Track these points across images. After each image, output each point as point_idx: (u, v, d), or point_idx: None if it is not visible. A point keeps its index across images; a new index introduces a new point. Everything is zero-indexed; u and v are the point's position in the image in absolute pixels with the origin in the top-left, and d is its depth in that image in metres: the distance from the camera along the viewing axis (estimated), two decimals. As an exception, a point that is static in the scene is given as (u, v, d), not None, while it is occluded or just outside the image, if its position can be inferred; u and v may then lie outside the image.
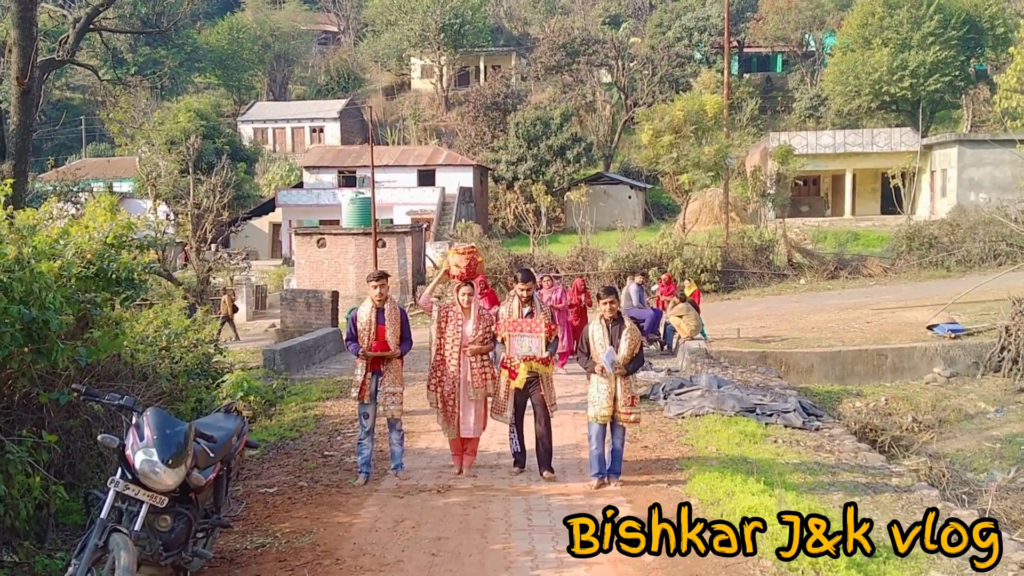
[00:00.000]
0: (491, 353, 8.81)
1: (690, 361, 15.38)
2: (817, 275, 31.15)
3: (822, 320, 21.49)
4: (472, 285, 8.74)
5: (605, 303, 8.12)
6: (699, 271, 29.59)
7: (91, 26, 19.48)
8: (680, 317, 17.11)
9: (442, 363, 8.54)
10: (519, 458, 8.68)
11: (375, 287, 8.43)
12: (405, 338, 8.58)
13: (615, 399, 8.05)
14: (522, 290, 8.60)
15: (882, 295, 25.73)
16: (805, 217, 41.69)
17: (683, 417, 11.51)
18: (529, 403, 8.59)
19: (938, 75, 44.98)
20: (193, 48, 65.39)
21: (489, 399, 8.68)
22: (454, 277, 8.77)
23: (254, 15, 72.51)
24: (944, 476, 11.26)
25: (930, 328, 18.68)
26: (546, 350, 8.41)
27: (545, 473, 8.42)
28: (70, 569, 4.87)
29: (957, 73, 45.71)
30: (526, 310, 8.57)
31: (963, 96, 46.57)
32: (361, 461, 8.51)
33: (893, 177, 35.80)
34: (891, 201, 37.88)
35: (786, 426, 11.21)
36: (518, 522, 7.20)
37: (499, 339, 8.63)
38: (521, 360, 8.36)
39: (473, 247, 8.97)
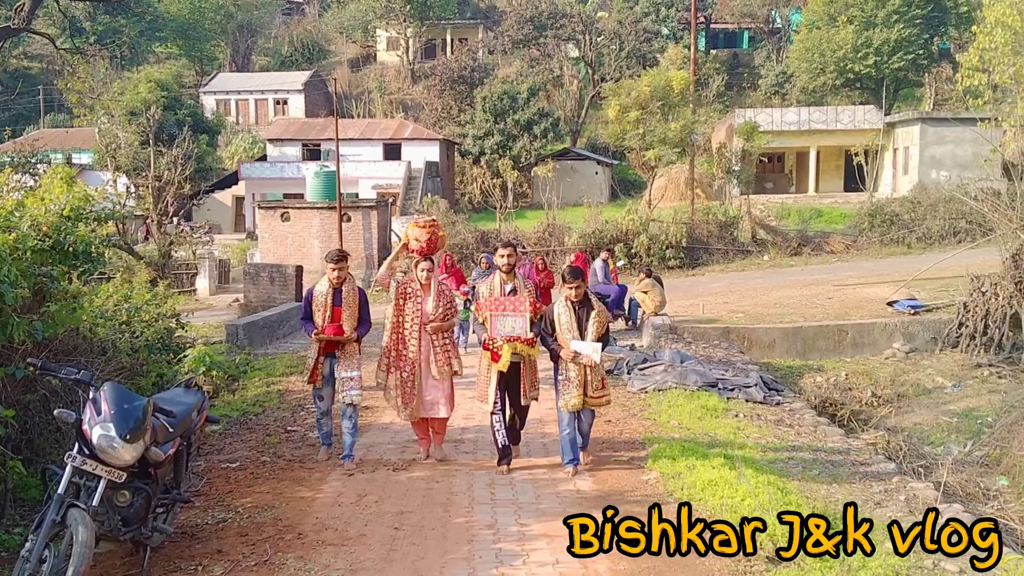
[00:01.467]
0: (459, 332, 8.57)
1: (654, 336, 15.48)
2: (780, 251, 31.43)
3: (785, 296, 21.71)
4: (432, 260, 8.27)
5: (571, 287, 7.64)
6: (664, 247, 29.75)
7: (48, -7, 19.04)
8: (645, 293, 17.20)
9: (400, 342, 8.08)
10: (504, 453, 7.99)
11: (333, 269, 8.08)
12: (363, 320, 8.22)
13: (585, 384, 7.69)
14: (502, 256, 8.08)
15: (844, 271, 26.03)
16: (769, 194, 41.98)
17: (646, 392, 11.60)
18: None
19: (902, 53, 45.34)
20: (153, 17, 64.14)
21: (456, 378, 8.26)
22: (414, 252, 8.28)
23: (217, -16, 71.25)
24: (902, 450, 11.44)
25: (890, 304, 18.94)
26: (531, 330, 7.84)
27: (512, 448, 8.17)
28: (27, 544, 4.83)
29: (920, 51, 46.09)
30: (508, 287, 8.09)
31: (926, 74, 46.99)
32: (321, 435, 8.46)
33: (856, 154, 36.12)
34: (854, 178, 38.23)
35: (747, 400, 11.33)
36: (481, 496, 7.23)
37: (480, 319, 8.16)
38: (504, 341, 7.77)
39: (434, 220, 8.47)
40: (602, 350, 7.73)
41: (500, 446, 7.97)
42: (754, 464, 7.92)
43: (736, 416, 10.30)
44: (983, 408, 13.79)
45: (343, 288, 8.13)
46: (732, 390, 11.66)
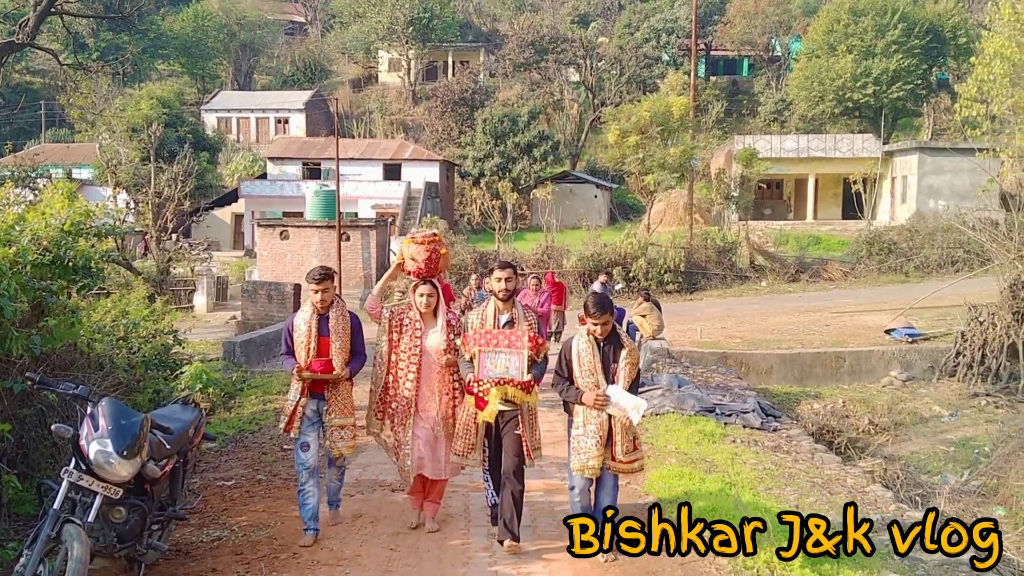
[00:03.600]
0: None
1: (652, 360, 15.47)
2: (778, 278, 31.49)
3: (782, 322, 21.72)
4: (434, 284, 6.81)
5: (597, 322, 6.09)
6: (663, 271, 29.78)
7: (52, 9, 19.19)
8: (643, 316, 17.20)
9: (394, 384, 6.73)
10: (496, 513, 6.56)
11: (316, 290, 6.65)
12: (357, 353, 6.83)
13: (611, 442, 6.09)
14: (500, 279, 6.51)
15: (842, 299, 26.06)
16: (768, 220, 42.11)
17: (644, 416, 11.57)
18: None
19: (901, 83, 45.63)
20: (157, 34, 64.49)
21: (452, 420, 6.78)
22: (410, 273, 6.82)
23: (219, 3, 71.62)
24: (898, 478, 11.42)
25: (888, 332, 18.96)
26: (528, 372, 6.32)
27: (507, 542, 6.29)
28: (22, 559, 4.80)
29: (919, 81, 46.39)
30: (504, 318, 6.53)
31: (925, 104, 47.27)
32: (306, 515, 6.62)
33: (855, 182, 36.27)
34: (852, 206, 38.36)
35: (745, 426, 11.31)
36: (477, 518, 7.19)
37: (467, 356, 6.49)
38: (492, 384, 6.25)
39: (435, 235, 6.96)
40: (644, 409, 6.10)
41: (491, 504, 6.70)
42: (751, 490, 7.90)
43: (733, 442, 10.27)
44: (980, 437, 13.78)
45: (331, 314, 6.72)
46: (730, 415, 11.63)
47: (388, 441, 6.81)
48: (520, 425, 6.40)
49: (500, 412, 6.37)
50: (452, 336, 6.71)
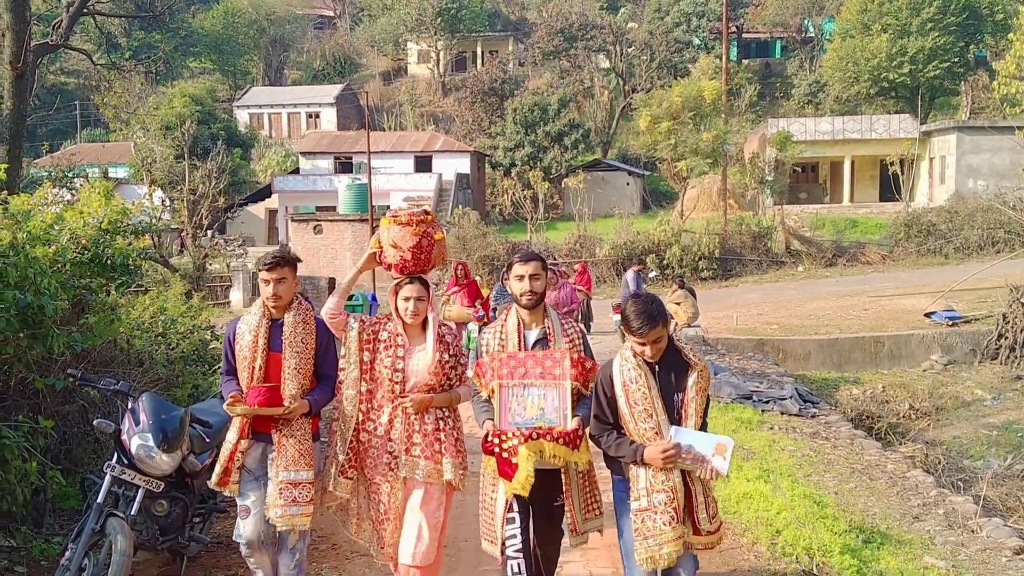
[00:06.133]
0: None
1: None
2: (815, 262, 31.16)
3: (819, 307, 21.50)
4: (424, 283, 4.78)
5: (644, 340, 4.07)
6: (697, 258, 29.59)
7: (85, 10, 19.36)
8: (678, 304, 17.11)
9: (366, 421, 4.76)
10: None
11: (267, 280, 4.83)
12: (324, 377, 4.95)
13: (690, 509, 4.13)
14: (521, 276, 4.57)
15: (880, 282, 25.74)
16: (803, 204, 41.65)
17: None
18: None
19: (937, 61, 44.88)
20: (188, 33, 65.07)
21: (459, 489, 4.78)
22: (390, 267, 4.81)
23: (249, 0, 72.17)
24: (940, 463, 11.28)
25: (928, 315, 18.71)
26: (573, 414, 4.36)
27: None
28: (67, 553, 4.88)
29: (956, 59, 45.61)
30: (533, 334, 4.60)
31: (962, 83, 46.47)
32: None
33: (892, 164, 35.79)
34: (889, 188, 37.85)
35: (782, 413, 11.23)
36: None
37: (480, 390, 4.62)
38: (523, 437, 4.26)
39: (426, 212, 4.87)
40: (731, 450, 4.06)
41: None
42: (789, 477, 7.84)
43: (771, 428, 10.20)
44: (1023, 421, 13.56)
45: (287, 319, 4.87)
46: (767, 402, 11.55)
47: (356, 508, 4.83)
48: (565, 495, 4.49)
49: (537, 477, 4.29)
50: (444, 356, 4.72)
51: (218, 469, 4.88)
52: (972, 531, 6.96)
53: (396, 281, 4.82)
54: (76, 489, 6.56)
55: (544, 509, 4.59)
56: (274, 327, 4.87)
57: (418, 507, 4.66)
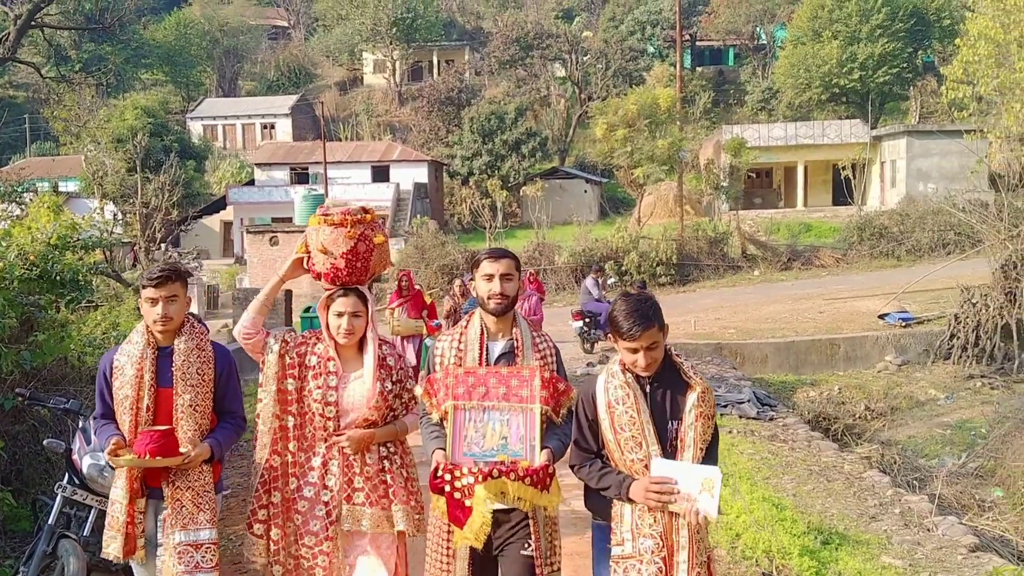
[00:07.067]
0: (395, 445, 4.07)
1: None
2: (771, 266, 31.48)
3: (776, 311, 21.73)
4: (361, 295, 4.03)
5: (635, 345, 3.45)
6: (655, 264, 29.76)
7: (32, 23, 19.08)
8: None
9: (294, 466, 3.95)
10: None
11: (153, 300, 4.03)
12: (227, 414, 4.22)
13: (680, 558, 3.45)
14: (490, 275, 3.86)
15: (834, 285, 26.08)
16: (758, 209, 42.10)
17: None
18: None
19: (886, 67, 45.67)
20: (139, 44, 64.23)
21: (413, 536, 4.03)
22: (319, 277, 4.03)
23: (202, 10, 71.43)
24: (896, 463, 11.42)
25: (881, 317, 18.98)
26: (542, 446, 3.65)
27: None
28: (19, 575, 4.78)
29: (905, 65, 46.45)
30: (498, 347, 3.87)
31: (911, 88, 47.33)
32: None
33: (844, 168, 36.28)
34: (842, 192, 38.38)
35: (741, 416, 11.32)
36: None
37: (430, 411, 3.79)
38: (481, 474, 3.50)
39: (365, 211, 4.10)
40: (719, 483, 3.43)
41: None
42: (748, 480, 7.90)
43: (730, 432, 10.27)
44: (976, 419, 13.79)
45: (177, 347, 4.08)
46: (725, 406, 11.64)
47: (275, 564, 3.95)
48: (532, 542, 3.70)
49: (495, 520, 3.57)
50: (386, 385, 3.97)
51: (119, 539, 3.98)
52: (928, 530, 7.06)
53: (327, 293, 4.04)
54: (27, 510, 6.42)
55: (509, 560, 3.74)
56: (162, 357, 4.07)
57: (367, 567, 3.91)
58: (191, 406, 4.01)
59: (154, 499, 4.05)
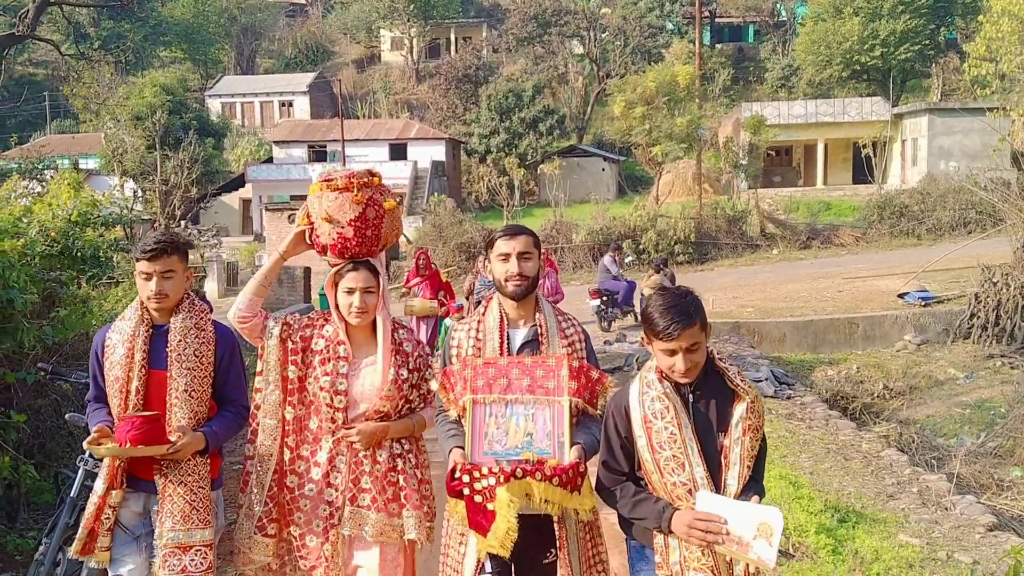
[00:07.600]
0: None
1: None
2: (790, 245, 31.33)
3: (794, 290, 21.63)
4: (372, 269, 3.59)
5: (674, 347, 3.03)
6: (673, 243, 29.66)
7: (51, 0, 19.12)
8: (653, 291, 17.16)
9: (295, 460, 3.62)
10: None
11: (147, 274, 3.63)
12: (227, 402, 3.84)
13: None
14: (506, 254, 3.48)
15: (854, 264, 25.93)
16: (777, 187, 41.84)
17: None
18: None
19: (908, 44, 45.16)
20: (157, 22, 64.33)
21: (424, 546, 3.62)
22: (324, 250, 3.65)
23: (220, -12, 71.42)
24: (914, 442, 11.40)
25: (901, 296, 18.87)
26: (572, 442, 3.28)
27: None
28: (41, 548, 4.84)
29: (927, 42, 45.92)
30: (520, 334, 3.53)
31: (933, 65, 46.80)
32: None
33: (864, 147, 35.98)
34: (863, 170, 38.09)
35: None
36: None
37: (447, 408, 3.46)
38: (504, 475, 3.13)
39: (371, 174, 3.67)
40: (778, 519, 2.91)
41: None
42: (766, 458, 7.89)
43: (747, 410, 10.25)
44: (996, 399, 13.72)
45: (174, 325, 3.69)
46: (743, 385, 11.61)
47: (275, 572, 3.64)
48: (560, 548, 3.34)
49: (520, 525, 3.13)
50: (401, 372, 3.57)
51: (81, 531, 3.58)
52: (946, 508, 7.04)
53: (335, 268, 3.61)
54: (50, 483, 6.50)
55: (527, 568, 3.39)
56: (156, 337, 3.66)
57: (375, 569, 3.50)
58: (185, 391, 3.61)
59: (143, 492, 3.69)
